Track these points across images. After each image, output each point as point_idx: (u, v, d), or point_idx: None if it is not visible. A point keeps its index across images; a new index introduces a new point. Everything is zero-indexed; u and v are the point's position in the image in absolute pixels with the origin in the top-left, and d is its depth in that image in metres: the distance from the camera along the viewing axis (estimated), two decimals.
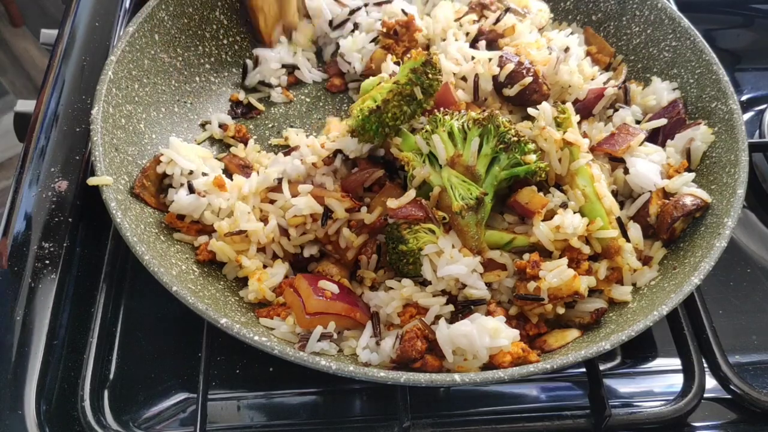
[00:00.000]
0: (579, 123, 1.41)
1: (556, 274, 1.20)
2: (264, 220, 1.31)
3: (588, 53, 1.64)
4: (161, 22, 1.49)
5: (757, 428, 1.26)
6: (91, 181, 1.23)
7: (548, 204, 1.27)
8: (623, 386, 1.32)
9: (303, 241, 1.32)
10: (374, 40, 1.63)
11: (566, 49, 1.52)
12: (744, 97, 1.86)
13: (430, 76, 1.28)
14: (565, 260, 1.23)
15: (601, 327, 1.24)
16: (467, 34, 1.56)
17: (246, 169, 1.45)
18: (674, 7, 1.59)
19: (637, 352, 1.36)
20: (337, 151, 1.37)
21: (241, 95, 1.65)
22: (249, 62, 1.67)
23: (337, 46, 1.68)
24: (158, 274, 1.12)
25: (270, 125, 1.64)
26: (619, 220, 1.29)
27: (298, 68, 1.70)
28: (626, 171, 1.37)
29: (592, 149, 1.39)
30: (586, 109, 1.49)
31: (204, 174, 1.37)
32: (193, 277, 1.24)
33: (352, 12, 1.67)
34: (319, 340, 1.17)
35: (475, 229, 1.24)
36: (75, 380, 1.22)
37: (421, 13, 1.65)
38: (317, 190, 1.31)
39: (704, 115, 1.47)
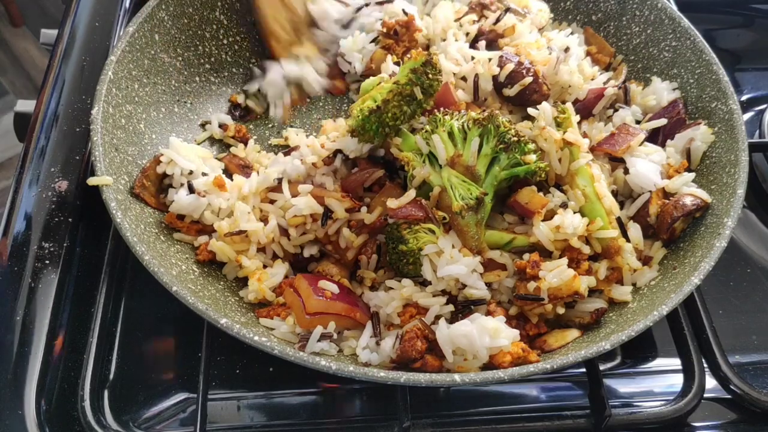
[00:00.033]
0: (579, 123, 1.41)
1: (556, 274, 1.20)
2: (264, 220, 1.31)
3: (588, 53, 1.64)
4: (161, 22, 1.49)
5: (757, 428, 1.26)
6: (91, 181, 1.23)
7: (548, 204, 1.27)
8: (623, 386, 1.32)
9: (303, 241, 1.32)
10: (374, 40, 1.63)
11: (566, 49, 1.52)
12: (744, 97, 1.86)
13: (430, 76, 1.28)
14: (565, 260, 1.23)
15: (601, 327, 1.24)
16: (467, 34, 1.56)
17: (246, 169, 1.45)
18: (674, 7, 1.59)
19: (637, 352, 1.36)
20: (337, 151, 1.37)
21: (241, 98, 1.65)
22: (257, 70, 1.65)
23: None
24: (158, 274, 1.12)
25: (270, 125, 1.64)
26: (619, 220, 1.29)
27: (306, 81, 1.65)
28: (626, 171, 1.37)
29: (592, 149, 1.39)
30: (586, 109, 1.49)
31: (204, 174, 1.37)
32: (193, 277, 1.24)
33: (358, 9, 1.65)
34: (319, 340, 1.17)
35: (475, 229, 1.24)
36: (75, 380, 1.22)
37: (421, 13, 1.65)
38: (317, 190, 1.31)
39: (704, 115, 1.47)
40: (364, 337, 1.20)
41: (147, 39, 1.46)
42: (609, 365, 1.34)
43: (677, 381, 1.27)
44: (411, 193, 1.26)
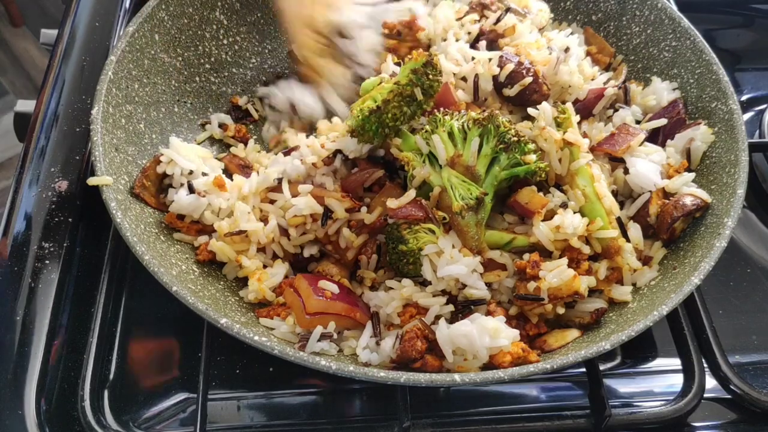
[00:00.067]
0: (579, 123, 1.41)
1: (556, 274, 1.20)
2: (264, 220, 1.31)
3: (588, 53, 1.63)
4: (161, 22, 1.49)
5: (757, 428, 1.26)
6: (91, 181, 1.23)
7: (548, 204, 1.27)
8: (623, 386, 1.32)
9: (303, 241, 1.32)
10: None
11: (566, 49, 1.52)
12: (744, 97, 1.86)
13: (430, 77, 1.27)
14: (565, 260, 1.23)
15: (601, 327, 1.24)
16: (469, 33, 1.56)
17: (246, 169, 1.45)
18: (674, 7, 1.59)
19: (637, 352, 1.36)
20: (337, 151, 1.37)
21: (242, 100, 1.65)
22: (281, 83, 1.62)
23: None
24: (158, 274, 1.12)
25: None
26: (619, 220, 1.29)
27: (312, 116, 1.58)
28: (626, 171, 1.37)
29: (592, 149, 1.39)
30: (586, 109, 1.49)
31: (204, 174, 1.37)
32: (193, 277, 1.24)
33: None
34: (319, 340, 1.17)
35: (475, 229, 1.24)
36: (75, 380, 1.22)
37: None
38: (317, 190, 1.31)
39: (704, 115, 1.47)
40: (364, 337, 1.20)
41: (147, 39, 1.46)
42: (609, 365, 1.34)
43: (677, 381, 1.27)
44: (411, 193, 1.26)
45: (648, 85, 1.57)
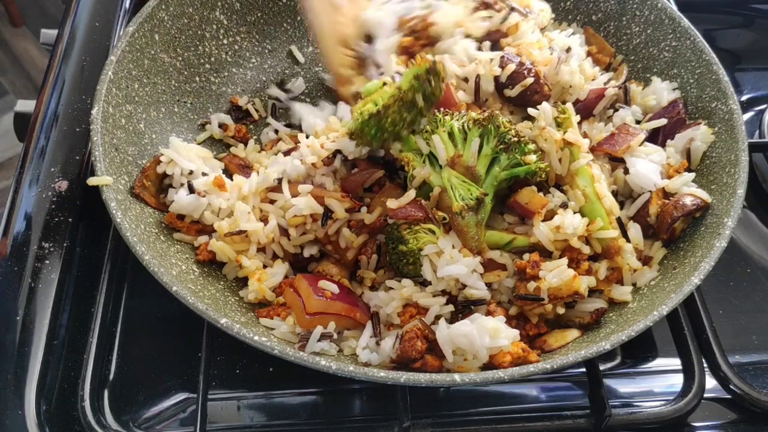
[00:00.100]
0: (579, 123, 1.41)
1: (556, 274, 1.20)
2: (264, 220, 1.31)
3: (588, 53, 1.63)
4: (161, 22, 1.49)
5: (757, 428, 1.26)
6: (91, 181, 1.23)
7: (548, 204, 1.27)
8: (623, 386, 1.32)
9: (303, 241, 1.31)
10: None
11: (568, 50, 1.52)
12: (744, 97, 1.86)
13: (432, 84, 1.25)
14: (565, 260, 1.23)
15: (601, 327, 1.24)
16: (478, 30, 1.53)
17: (246, 169, 1.45)
18: (674, 7, 1.59)
19: (637, 352, 1.36)
20: (337, 152, 1.37)
21: (242, 100, 1.65)
22: (301, 112, 1.60)
23: None
24: (158, 274, 1.12)
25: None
26: (619, 220, 1.29)
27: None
28: (626, 171, 1.37)
29: (592, 149, 1.39)
30: (586, 109, 1.49)
31: (204, 174, 1.37)
32: (193, 277, 1.24)
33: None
34: (319, 340, 1.17)
35: (475, 230, 1.24)
36: (75, 380, 1.22)
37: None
38: (317, 190, 1.31)
39: (704, 115, 1.47)
40: (364, 337, 1.20)
41: (147, 39, 1.46)
42: (609, 365, 1.34)
43: (677, 381, 1.27)
44: (411, 194, 1.26)
45: (648, 85, 1.57)
